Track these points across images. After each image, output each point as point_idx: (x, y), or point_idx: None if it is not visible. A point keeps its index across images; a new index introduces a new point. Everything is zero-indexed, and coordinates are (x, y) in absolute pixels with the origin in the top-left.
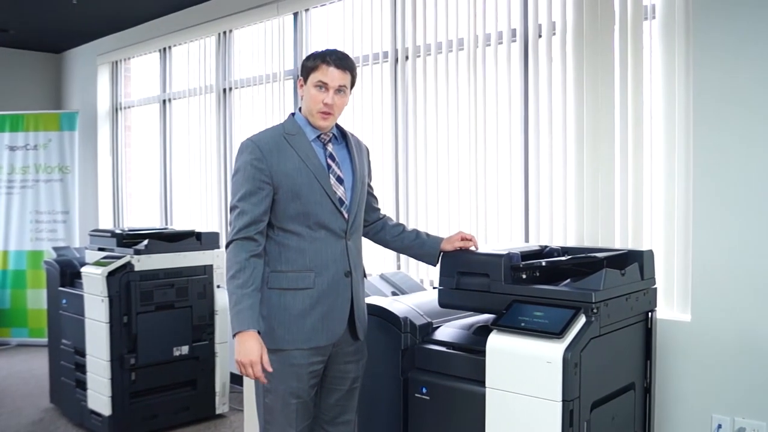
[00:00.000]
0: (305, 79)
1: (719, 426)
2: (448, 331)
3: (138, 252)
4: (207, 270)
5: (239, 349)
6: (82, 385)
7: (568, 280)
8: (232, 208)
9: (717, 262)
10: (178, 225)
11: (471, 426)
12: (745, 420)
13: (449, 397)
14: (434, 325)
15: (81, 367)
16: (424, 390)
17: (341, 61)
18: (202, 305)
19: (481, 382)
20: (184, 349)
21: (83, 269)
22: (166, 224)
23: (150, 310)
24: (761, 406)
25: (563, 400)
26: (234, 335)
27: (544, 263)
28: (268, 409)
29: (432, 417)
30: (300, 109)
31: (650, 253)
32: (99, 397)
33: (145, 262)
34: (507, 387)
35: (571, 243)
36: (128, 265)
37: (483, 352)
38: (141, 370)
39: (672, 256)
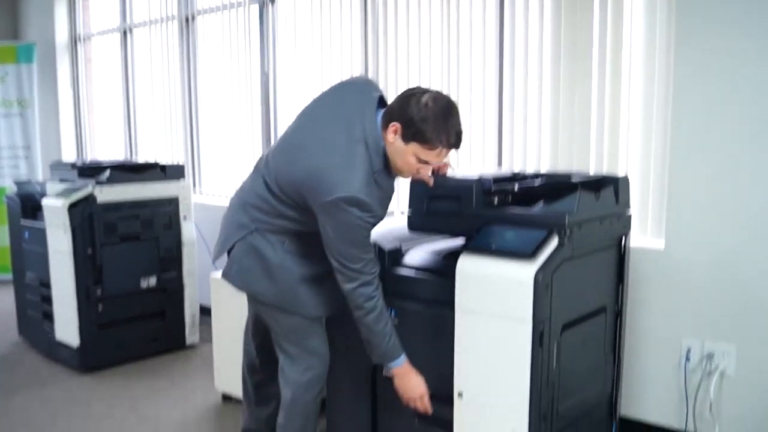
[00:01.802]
0: (409, 138)
1: (689, 350)
2: (418, 255)
3: (100, 183)
4: (172, 202)
5: (407, 385)
6: (49, 317)
7: (541, 203)
8: (357, 259)
9: (692, 191)
10: (143, 158)
11: (440, 349)
12: (715, 344)
13: (418, 321)
14: (403, 250)
15: (47, 300)
16: (393, 314)
17: (458, 144)
18: (168, 237)
19: (451, 305)
20: (152, 281)
21: (44, 201)
22: (131, 157)
23: (115, 242)
24: (730, 330)
25: (534, 322)
26: (389, 366)
27: (516, 187)
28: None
29: (402, 341)
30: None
31: (626, 179)
32: (66, 328)
33: (107, 194)
34: (477, 309)
35: (544, 170)
36: (90, 197)
37: (453, 275)
38: (108, 301)
39: (647, 185)
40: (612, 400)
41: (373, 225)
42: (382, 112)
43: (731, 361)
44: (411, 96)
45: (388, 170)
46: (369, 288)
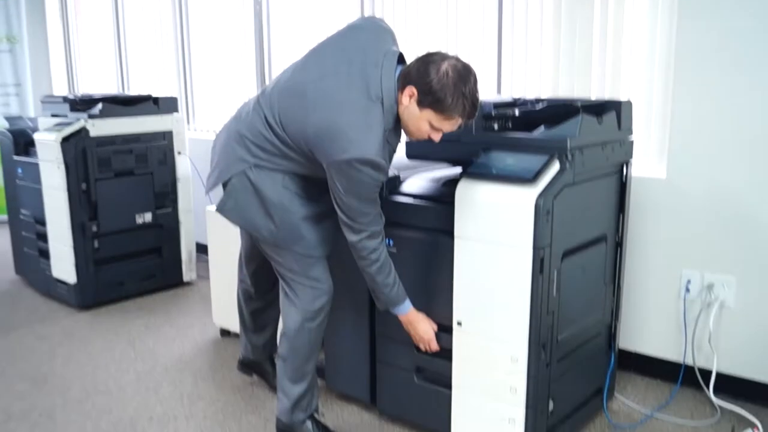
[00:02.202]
0: (425, 105)
1: (689, 281)
2: (416, 183)
3: (92, 117)
4: (167, 136)
5: (414, 331)
6: (45, 254)
7: (542, 128)
8: (364, 213)
9: (695, 120)
10: (136, 91)
11: (439, 277)
12: (715, 275)
13: (417, 249)
14: (402, 178)
15: (43, 237)
16: (391, 243)
17: (474, 114)
18: (163, 172)
19: (450, 233)
20: (147, 217)
21: (36, 136)
22: (123, 90)
23: (109, 177)
24: (731, 261)
25: (534, 248)
26: (396, 310)
27: (517, 111)
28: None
29: (400, 270)
30: (397, 91)
31: (629, 103)
32: (63, 265)
33: (100, 128)
34: (476, 236)
35: (545, 96)
36: (83, 131)
37: (452, 202)
38: (104, 237)
39: (650, 112)
40: (611, 331)
41: (383, 182)
42: (399, 69)
43: (731, 293)
44: (430, 62)
45: (396, 128)
46: (374, 241)
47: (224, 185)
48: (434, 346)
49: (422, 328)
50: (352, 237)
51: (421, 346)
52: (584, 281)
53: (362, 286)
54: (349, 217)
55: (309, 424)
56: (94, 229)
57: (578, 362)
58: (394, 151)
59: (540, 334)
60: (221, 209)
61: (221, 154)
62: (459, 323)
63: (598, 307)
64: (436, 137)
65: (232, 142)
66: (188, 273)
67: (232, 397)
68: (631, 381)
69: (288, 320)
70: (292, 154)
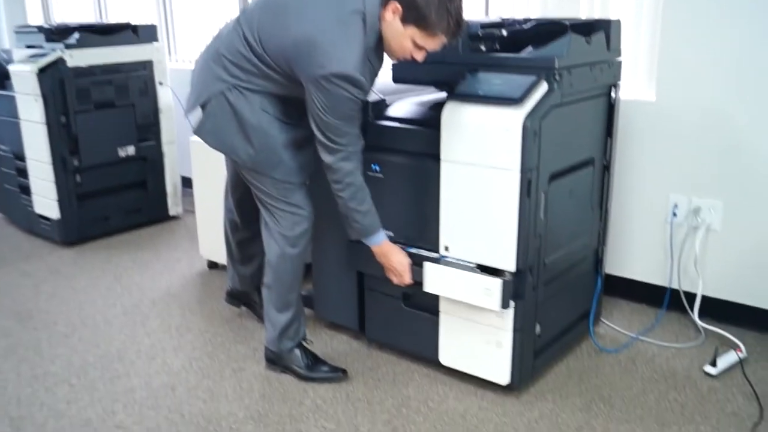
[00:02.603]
0: (409, 22)
1: (676, 205)
2: (403, 107)
3: (69, 47)
4: (147, 66)
5: (388, 263)
6: (26, 190)
7: (530, 48)
8: (342, 133)
9: (685, 42)
10: (114, 19)
11: (426, 202)
12: (702, 199)
13: (403, 174)
14: (387, 102)
15: (23, 173)
16: (377, 168)
17: (458, 32)
18: (144, 103)
19: (437, 157)
20: (130, 150)
21: (11, 68)
22: (101, 18)
23: (89, 109)
24: (718, 185)
25: (521, 170)
26: (367, 243)
27: (504, 32)
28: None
29: (386, 195)
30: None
31: (618, 23)
32: (45, 201)
33: (78, 58)
34: (463, 159)
35: (534, 16)
36: (60, 61)
37: (438, 126)
38: (86, 172)
39: (639, 34)
40: (598, 255)
41: (362, 101)
42: None
43: (717, 217)
44: None
45: (379, 49)
46: (350, 163)
47: (203, 107)
48: (407, 279)
49: (396, 260)
50: (327, 158)
51: (394, 279)
52: (571, 205)
53: None
54: (326, 137)
55: (297, 352)
56: (76, 163)
57: (565, 286)
58: (377, 73)
59: (527, 257)
60: (199, 131)
61: (200, 74)
62: (446, 248)
63: (585, 231)
64: (420, 56)
65: (210, 62)
66: (174, 207)
67: (221, 329)
68: (618, 306)
69: (269, 248)
70: (271, 74)
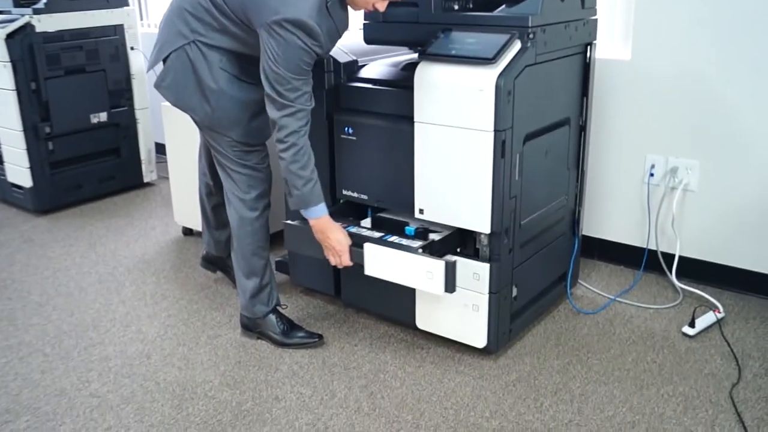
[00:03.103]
0: None
1: (653, 165)
2: (375, 68)
3: (38, 11)
4: (117, 30)
5: (326, 241)
6: None
7: (503, 6)
8: (292, 88)
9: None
10: None
11: (400, 164)
12: (679, 159)
13: (376, 137)
14: (360, 63)
15: None
16: (350, 130)
17: None
18: (116, 69)
19: (410, 118)
20: (102, 116)
21: None
22: None
23: (59, 75)
24: (695, 145)
25: (495, 130)
26: (305, 216)
27: None
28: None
29: (359, 157)
30: None
31: None
32: (17, 169)
33: (47, 23)
34: (436, 120)
35: None
36: (28, 26)
37: (411, 87)
38: (58, 139)
39: None
40: (575, 216)
41: (318, 56)
42: None
43: (694, 177)
44: None
45: (343, 6)
46: (297, 121)
47: (164, 62)
48: (345, 260)
49: (335, 238)
50: (274, 113)
51: (332, 260)
52: (547, 166)
53: (324, 178)
54: (275, 90)
55: (272, 318)
56: (48, 130)
57: (542, 248)
58: (339, 32)
59: (502, 218)
60: (158, 86)
61: (163, 30)
62: (421, 211)
63: (562, 192)
64: (382, 6)
65: (173, 16)
66: (148, 173)
67: (196, 296)
68: (595, 268)
69: (230, 213)
70: (229, 26)
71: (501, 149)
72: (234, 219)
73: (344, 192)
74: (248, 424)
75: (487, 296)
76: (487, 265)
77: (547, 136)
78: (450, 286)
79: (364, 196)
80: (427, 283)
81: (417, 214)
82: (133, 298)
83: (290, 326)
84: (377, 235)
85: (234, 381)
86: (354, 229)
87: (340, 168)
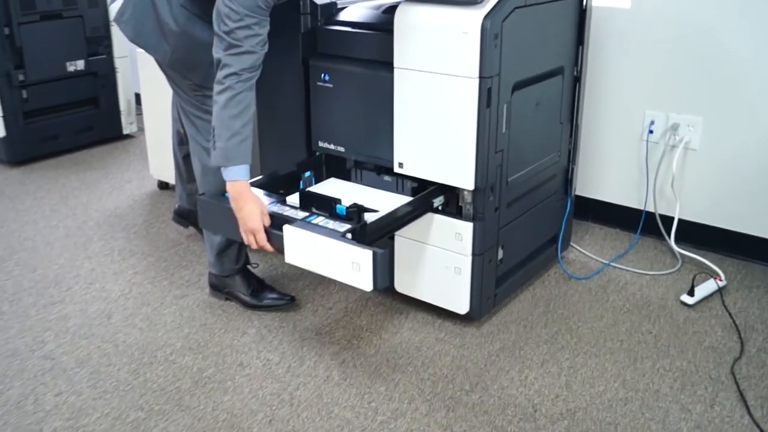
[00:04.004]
0: None
1: (652, 122)
2: (355, 11)
3: None
4: None
5: (239, 212)
6: None
7: None
8: (243, 26)
9: None
10: None
11: (379, 115)
12: (681, 115)
13: (354, 84)
14: (339, 6)
15: None
16: (327, 77)
17: None
18: (94, 14)
19: (389, 64)
20: (80, 64)
21: None
22: None
23: (34, 20)
24: (697, 100)
25: (480, 77)
26: (227, 172)
27: None
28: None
29: (336, 107)
30: None
31: None
32: None
33: None
34: (417, 66)
35: None
36: None
37: (391, 30)
38: (33, 87)
39: None
40: (567, 175)
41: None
42: None
43: (697, 134)
44: None
45: None
46: (240, 63)
47: None
48: (261, 239)
49: (248, 209)
50: (219, 51)
51: (244, 237)
52: (538, 118)
53: (299, 129)
54: (225, 26)
55: (238, 278)
56: (21, 78)
57: (531, 208)
58: None
59: (487, 174)
60: (118, 20)
61: None
62: (400, 164)
63: (554, 148)
64: None
65: None
66: (128, 125)
67: (166, 252)
68: (589, 230)
69: (194, 160)
70: None
71: (487, 98)
72: (197, 168)
73: (320, 144)
74: (208, 392)
75: (470, 258)
76: (470, 225)
77: (538, 86)
78: (380, 280)
79: (341, 149)
80: (353, 275)
81: (396, 168)
82: (100, 254)
83: (261, 286)
84: (301, 215)
85: (197, 345)
86: (276, 207)
87: (316, 118)
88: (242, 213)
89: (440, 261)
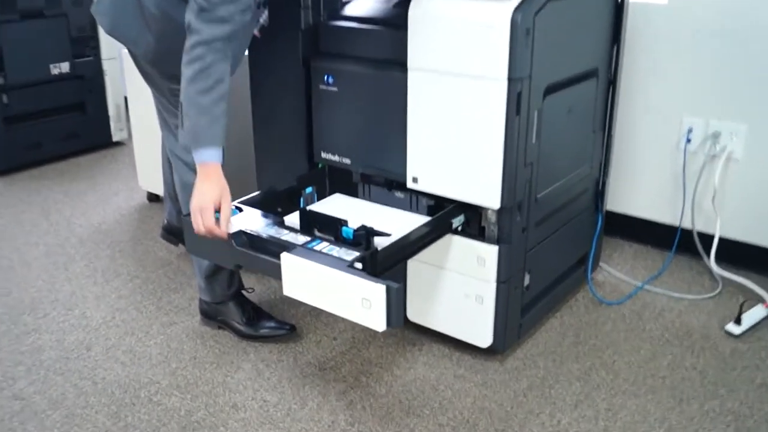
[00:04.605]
0: None
1: (690, 129)
2: (362, 4)
3: None
4: None
5: (198, 190)
6: None
7: None
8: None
9: None
10: None
11: (390, 122)
12: (722, 122)
13: (362, 87)
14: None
15: None
16: (330, 80)
17: None
18: (79, 13)
19: (402, 64)
20: (64, 67)
21: None
22: None
23: (14, 19)
24: (741, 106)
25: (509, 79)
26: (199, 153)
27: None
28: None
29: (342, 113)
30: None
31: None
32: None
33: None
34: (435, 66)
35: None
36: None
37: (405, 26)
38: (14, 91)
39: None
40: (598, 188)
41: None
42: None
43: (740, 143)
44: None
45: None
46: (212, 29)
47: None
48: (207, 219)
49: (206, 187)
50: (190, 16)
51: (192, 218)
52: (570, 126)
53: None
54: None
55: (232, 305)
56: (1, 81)
57: (561, 227)
58: None
59: (515, 191)
60: (96, 10)
61: None
62: (414, 180)
63: (585, 159)
64: None
65: None
66: (117, 131)
67: (154, 273)
68: (618, 248)
69: (175, 176)
70: None
71: (516, 104)
72: (178, 184)
73: (323, 155)
74: None
75: (493, 285)
76: (494, 248)
77: (571, 89)
78: (395, 318)
79: (347, 160)
80: (363, 313)
81: (410, 183)
82: (81, 275)
83: (257, 314)
84: (301, 239)
85: (185, 382)
86: (273, 231)
87: (318, 126)
88: (199, 191)
89: (459, 288)
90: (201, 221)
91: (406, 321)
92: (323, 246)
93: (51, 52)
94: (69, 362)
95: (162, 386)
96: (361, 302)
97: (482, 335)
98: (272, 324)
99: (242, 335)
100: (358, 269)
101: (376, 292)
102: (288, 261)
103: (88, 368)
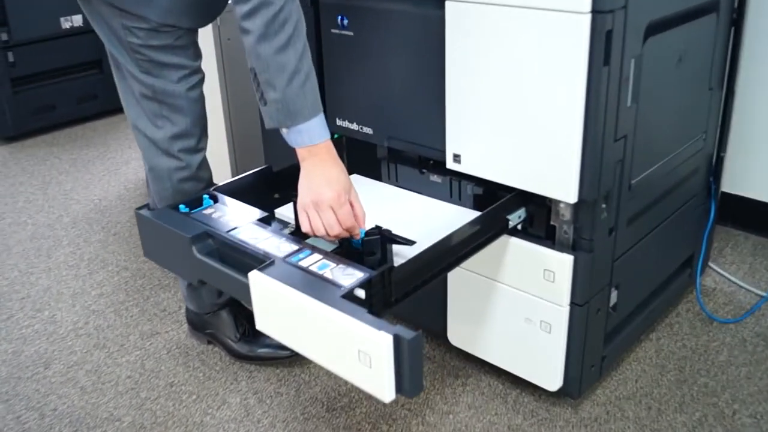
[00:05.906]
0: None
1: None
2: None
3: None
4: None
5: (314, 181)
6: None
7: None
8: None
9: None
10: None
11: (422, 78)
12: None
13: (384, 30)
14: None
15: None
16: (345, 21)
17: None
18: None
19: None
20: (76, 20)
21: None
22: None
23: None
24: None
25: (593, 11)
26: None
27: None
28: None
29: (360, 65)
30: None
31: None
32: None
33: None
34: None
35: None
36: None
37: None
38: (21, 49)
39: None
40: (711, 166)
41: None
42: None
43: None
44: None
45: None
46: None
47: None
48: (350, 223)
49: (335, 177)
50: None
51: (305, 224)
52: (680, 82)
53: None
54: None
55: (226, 315)
56: (5, 37)
57: (661, 222)
58: None
59: (600, 177)
60: None
61: None
62: (456, 157)
63: (699, 128)
64: None
65: None
66: None
67: (146, 264)
68: (732, 240)
69: (143, 159)
70: None
71: (605, 48)
72: (146, 169)
73: (338, 122)
74: None
75: (566, 309)
76: (569, 257)
77: (682, 28)
78: (409, 384)
79: (368, 130)
80: (361, 372)
81: (450, 163)
82: (64, 264)
83: (254, 330)
84: (285, 249)
85: (153, 422)
86: (252, 231)
87: (331, 84)
88: (318, 183)
89: (519, 310)
90: (334, 219)
91: (447, 344)
92: (313, 260)
93: (61, 4)
94: (19, 384)
95: (122, 426)
96: (358, 356)
97: (549, 375)
98: (272, 342)
99: (234, 354)
100: (358, 300)
101: (379, 343)
102: (258, 282)
103: (40, 394)
